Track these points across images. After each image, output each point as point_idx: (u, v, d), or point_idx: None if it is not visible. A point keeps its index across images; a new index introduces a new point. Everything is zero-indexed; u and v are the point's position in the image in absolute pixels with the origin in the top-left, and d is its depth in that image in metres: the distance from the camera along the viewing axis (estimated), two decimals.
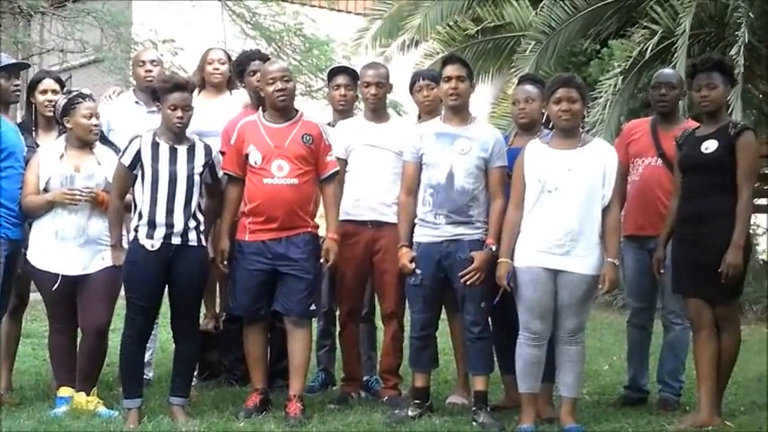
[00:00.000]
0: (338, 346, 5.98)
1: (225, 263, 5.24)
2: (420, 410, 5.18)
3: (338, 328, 5.89)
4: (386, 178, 5.51)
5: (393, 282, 5.48)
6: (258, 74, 5.52)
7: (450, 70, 5.22)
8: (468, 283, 5.06)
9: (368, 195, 5.49)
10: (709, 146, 5.02)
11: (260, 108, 5.38)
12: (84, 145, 5.25)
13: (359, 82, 5.82)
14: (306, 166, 5.17)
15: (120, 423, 4.89)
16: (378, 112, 5.70)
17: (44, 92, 5.57)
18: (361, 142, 5.54)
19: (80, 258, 5.14)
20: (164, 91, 5.06)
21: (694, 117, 6.11)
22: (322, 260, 5.19)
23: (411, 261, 5.17)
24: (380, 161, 5.54)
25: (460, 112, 5.25)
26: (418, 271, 5.15)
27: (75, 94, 5.28)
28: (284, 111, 5.25)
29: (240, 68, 5.96)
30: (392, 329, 5.63)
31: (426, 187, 5.19)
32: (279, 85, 5.19)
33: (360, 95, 5.94)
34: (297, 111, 5.33)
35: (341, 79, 5.93)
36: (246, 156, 5.17)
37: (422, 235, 5.19)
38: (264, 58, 5.93)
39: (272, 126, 5.22)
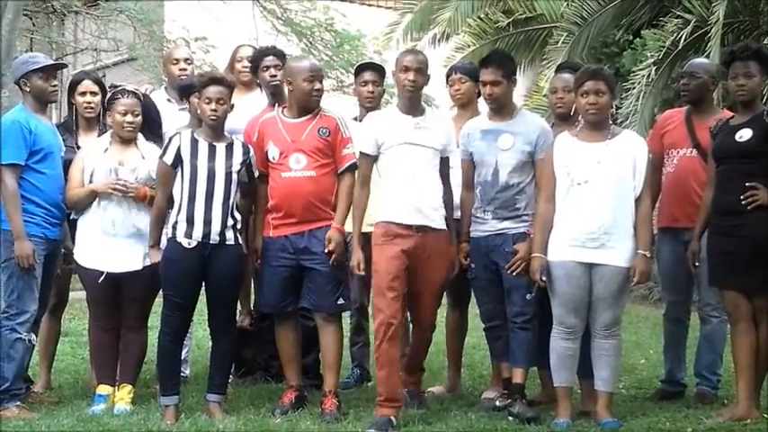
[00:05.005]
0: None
1: (258, 261, 5.28)
2: (508, 401, 5.12)
3: (371, 324, 5.89)
4: (431, 177, 5.12)
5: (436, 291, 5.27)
6: (272, 69, 5.66)
7: (484, 75, 5.21)
8: (514, 273, 5.07)
9: (414, 198, 5.03)
10: (744, 134, 4.97)
11: (275, 104, 5.40)
12: (127, 140, 5.30)
13: (392, 69, 5.65)
14: (324, 159, 5.18)
15: (158, 420, 4.93)
16: (413, 102, 5.19)
17: (83, 93, 5.62)
18: (399, 140, 5.07)
19: (126, 254, 5.19)
20: (201, 85, 5.11)
21: (730, 107, 6.04)
22: (325, 250, 5.10)
23: (466, 257, 5.18)
24: (423, 160, 5.10)
25: (502, 109, 5.24)
26: (473, 265, 5.17)
27: (117, 89, 5.33)
28: (311, 109, 5.24)
29: (255, 64, 5.91)
30: (426, 336, 5.39)
31: (477, 184, 5.21)
32: (317, 84, 5.23)
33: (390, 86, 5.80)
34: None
35: (368, 75, 5.92)
36: (267, 153, 5.22)
37: (473, 230, 5.21)
38: (279, 54, 5.87)
39: (289, 121, 5.25)
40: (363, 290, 5.86)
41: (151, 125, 5.42)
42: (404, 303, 5.12)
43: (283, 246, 5.18)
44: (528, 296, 5.10)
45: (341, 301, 5.23)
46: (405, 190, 5.02)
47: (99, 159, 5.25)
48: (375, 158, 5.13)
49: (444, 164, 5.18)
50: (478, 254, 5.17)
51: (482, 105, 5.79)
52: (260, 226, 5.29)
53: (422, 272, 5.06)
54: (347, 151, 5.21)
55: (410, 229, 5.00)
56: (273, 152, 5.21)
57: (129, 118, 5.25)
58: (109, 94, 5.36)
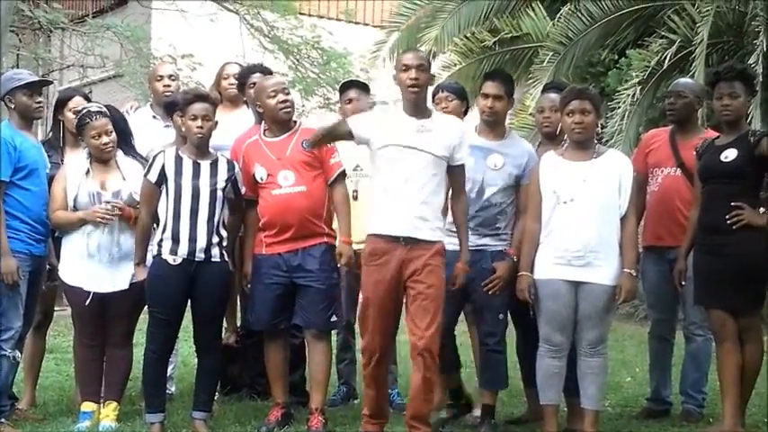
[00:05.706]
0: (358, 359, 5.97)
1: (249, 286, 5.27)
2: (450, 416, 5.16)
3: (358, 341, 5.87)
4: (427, 186, 4.73)
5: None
6: None
7: (489, 87, 5.23)
8: (490, 292, 5.07)
9: (403, 207, 4.69)
10: (729, 155, 5.01)
11: (262, 121, 5.36)
12: (106, 161, 5.29)
13: (393, 74, 5.34)
14: (312, 172, 5.16)
15: None
16: (418, 103, 4.77)
17: (73, 110, 5.59)
18: (396, 141, 4.70)
19: (111, 275, 5.17)
20: (185, 102, 5.10)
21: (714, 127, 6.08)
22: (339, 264, 5.13)
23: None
24: (420, 166, 4.71)
25: (495, 127, 5.25)
26: None
27: (82, 114, 5.23)
28: (285, 123, 5.24)
29: (241, 81, 5.90)
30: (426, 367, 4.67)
31: None
32: (281, 97, 5.20)
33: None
34: (295, 122, 5.34)
35: (353, 93, 5.91)
36: (254, 175, 5.22)
37: (448, 243, 4.95)
38: (266, 71, 5.85)
39: (271, 141, 5.24)
40: (351, 307, 5.85)
41: (122, 137, 5.35)
42: (389, 333, 4.87)
43: (277, 263, 5.16)
44: (500, 316, 5.10)
45: (333, 319, 5.22)
46: (394, 198, 4.68)
47: (81, 182, 5.22)
48: (351, 138, 4.82)
49: (453, 172, 4.80)
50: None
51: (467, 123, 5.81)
52: (250, 250, 5.28)
53: (412, 286, 4.67)
54: (334, 160, 5.19)
55: (397, 242, 4.67)
56: (261, 173, 5.20)
57: (104, 139, 5.21)
58: (76, 121, 5.29)
